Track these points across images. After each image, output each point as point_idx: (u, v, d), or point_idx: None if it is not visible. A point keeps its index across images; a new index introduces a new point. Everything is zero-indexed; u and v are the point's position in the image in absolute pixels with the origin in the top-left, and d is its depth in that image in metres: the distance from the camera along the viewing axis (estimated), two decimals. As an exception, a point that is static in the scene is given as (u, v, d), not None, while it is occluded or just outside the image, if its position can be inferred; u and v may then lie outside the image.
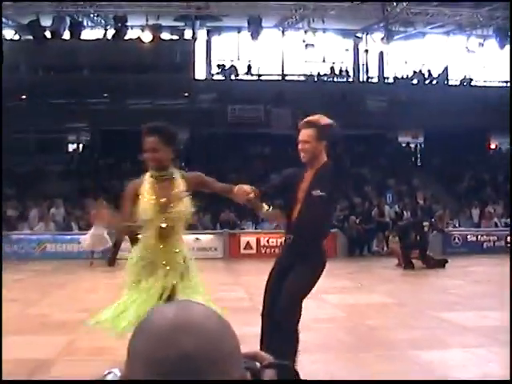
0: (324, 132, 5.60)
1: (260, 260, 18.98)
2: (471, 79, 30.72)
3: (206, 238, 21.65)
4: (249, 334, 7.50)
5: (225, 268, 18.86)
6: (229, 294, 12.00)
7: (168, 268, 5.10)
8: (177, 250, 5.16)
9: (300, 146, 5.68)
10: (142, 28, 26.02)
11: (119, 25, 25.21)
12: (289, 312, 5.44)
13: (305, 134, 5.65)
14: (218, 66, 29.79)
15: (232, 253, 21.12)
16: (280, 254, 5.93)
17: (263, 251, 20.90)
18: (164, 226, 5.03)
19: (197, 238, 21.53)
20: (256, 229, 22.22)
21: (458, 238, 21.92)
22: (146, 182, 5.10)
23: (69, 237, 20.88)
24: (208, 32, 29.47)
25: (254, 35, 25.56)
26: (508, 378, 5.43)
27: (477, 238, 22.15)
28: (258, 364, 1.20)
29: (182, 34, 28.32)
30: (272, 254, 19.90)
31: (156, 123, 5.07)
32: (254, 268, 18.40)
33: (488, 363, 6.75)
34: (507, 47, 27.47)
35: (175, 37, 28.37)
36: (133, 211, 4.99)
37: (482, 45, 27.70)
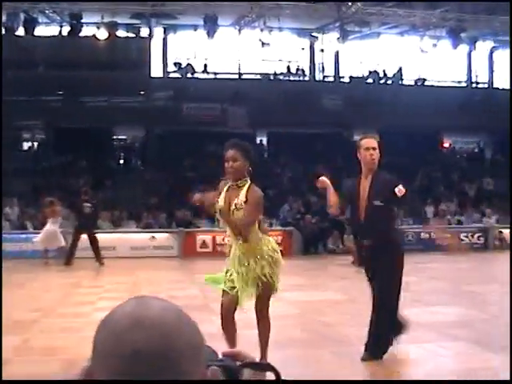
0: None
1: (216, 258, 18.98)
2: (425, 79, 31.12)
3: (162, 237, 21.63)
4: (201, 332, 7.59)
5: (180, 266, 18.88)
6: (182, 292, 12.01)
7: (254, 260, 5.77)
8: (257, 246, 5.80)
9: (370, 154, 6.43)
10: (98, 25, 25.81)
11: (74, 22, 24.98)
12: (388, 306, 6.46)
13: (374, 142, 6.45)
14: (175, 64, 29.69)
15: (188, 251, 21.09)
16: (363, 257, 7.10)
17: (219, 250, 20.88)
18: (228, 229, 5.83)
19: (152, 237, 21.54)
20: (212, 227, 22.21)
21: (412, 236, 22.22)
22: (226, 186, 5.88)
23: (24, 235, 20.66)
24: (164, 30, 29.32)
25: (210, 33, 25.55)
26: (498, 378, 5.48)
27: (430, 235, 22.46)
28: (237, 363, 1.19)
29: (138, 32, 28.12)
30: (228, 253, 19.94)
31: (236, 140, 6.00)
32: (209, 266, 18.39)
33: (439, 357, 6.90)
34: (460, 47, 27.90)
35: (131, 34, 28.18)
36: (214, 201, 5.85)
37: (435, 45, 28.07)
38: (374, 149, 6.35)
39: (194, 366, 1.07)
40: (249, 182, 5.77)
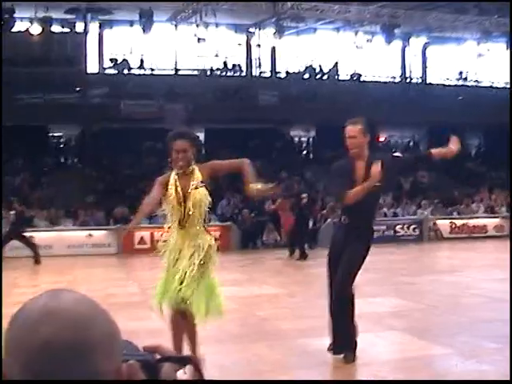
0: (368, 127, 6.51)
1: (154, 255, 18.91)
2: (360, 74, 31.48)
3: (99, 234, 21.43)
4: (139, 329, 7.54)
5: (118, 263, 18.75)
6: (121, 290, 11.94)
7: (190, 251, 5.82)
8: (198, 235, 5.87)
9: (348, 141, 6.48)
10: (31, 20, 25.38)
11: (7, 16, 24.49)
12: (345, 284, 6.36)
13: (351, 130, 6.43)
14: (111, 59, 29.40)
15: (126, 248, 20.92)
16: (335, 234, 6.84)
17: (157, 246, 20.77)
18: (187, 212, 5.77)
19: (89, 235, 21.30)
20: (150, 223, 22.08)
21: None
22: (172, 176, 5.87)
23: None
24: (100, 25, 28.98)
25: (146, 29, 25.39)
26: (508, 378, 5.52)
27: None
28: (157, 357, 1.18)
29: (74, 27, 27.71)
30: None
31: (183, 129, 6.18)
32: (147, 263, 18.35)
33: (375, 347, 7.02)
34: (394, 43, 28.33)
35: (66, 29, 27.78)
36: (161, 199, 5.86)
37: (369, 41, 28.45)
38: (351, 137, 6.41)
39: (107, 358, 1.06)
40: (195, 167, 5.88)
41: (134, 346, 1.19)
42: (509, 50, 28.60)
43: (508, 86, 32.97)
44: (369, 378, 6.00)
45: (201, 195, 5.83)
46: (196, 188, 5.80)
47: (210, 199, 5.91)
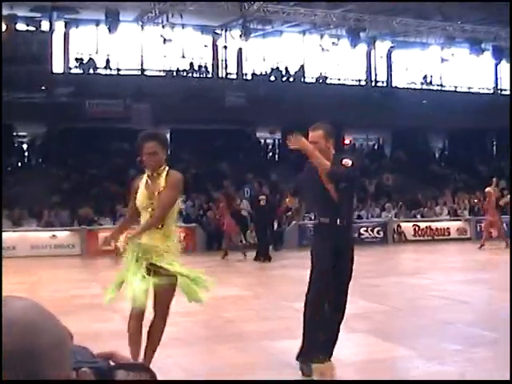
0: (331, 131, 6.50)
1: (118, 256, 18.83)
2: (326, 77, 31.65)
3: (63, 235, 21.26)
4: (103, 331, 7.53)
5: (82, 265, 18.65)
6: (85, 291, 11.87)
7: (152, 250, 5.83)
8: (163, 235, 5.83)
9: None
10: (-5, 18, 25.10)
11: (-30, 14, 24.22)
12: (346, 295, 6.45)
13: (313, 135, 6.40)
14: (76, 59, 29.18)
15: (90, 249, 20.73)
16: (330, 236, 6.33)
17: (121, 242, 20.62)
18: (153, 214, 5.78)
19: (53, 235, 21.11)
20: (114, 225, 21.99)
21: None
22: (144, 177, 5.91)
23: None
24: (66, 24, 28.75)
25: (112, 29, 25.24)
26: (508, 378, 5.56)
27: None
28: (111, 364, 1.17)
29: (39, 26, 27.48)
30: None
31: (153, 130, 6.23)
32: (111, 264, 18.26)
33: (340, 349, 7.07)
34: (359, 46, 28.53)
35: (31, 28, 27.52)
36: (133, 204, 5.98)
37: (335, 44, 28.64)
38: (313, 143, 6.35)
39: (56, 366, 1.05)
40: (166, 168, 5.87)
41: (88, 352, 1.18)
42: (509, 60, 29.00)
43: (472, 90, 33.51)
44: (332, 379, 6.06)
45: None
46: (159, 194, 5.80)
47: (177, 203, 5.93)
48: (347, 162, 6.30)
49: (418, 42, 31.50)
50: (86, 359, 1.15)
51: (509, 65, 29.46)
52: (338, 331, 6.39)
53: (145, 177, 5.93)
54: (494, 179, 20.27)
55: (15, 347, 1.01)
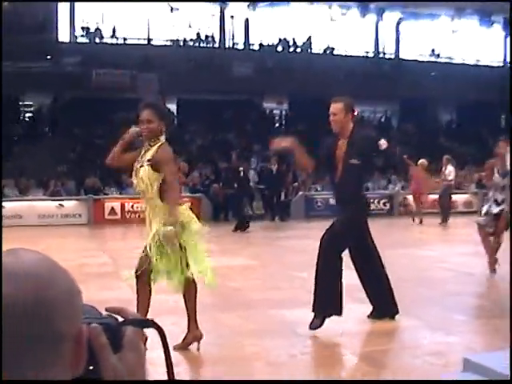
0: (351, 105, 6.71)
1: (124, 225, 18.90)
2: (333, 48, 31.46)
3: (70, 204, 21.30)
4: (110, 298, 7.55)
5: (89, 234, 18.68)
6: (92, 260, 11.92)
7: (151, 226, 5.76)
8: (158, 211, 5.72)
9: (331, 119, 6.67)
10: (1, -13, 24.94)
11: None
12: (327, 258, 6.57)
13: (333, 107, 6.64)
14: (82, 28, 29.07)
15: (96, 219, 20.83)
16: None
17: (128, 216, 20.72)
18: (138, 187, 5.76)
19: (60, 205, 21.15)
20: (120, 194, 22.02)
21: (321, 202, 22.58)
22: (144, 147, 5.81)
23: None
24: (72, -8, 28.66)
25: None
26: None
27: (338, 201, 22.93)
28: (119, 320, 1.18)
29: (45, -6, 27.36)
30: (136, 220, 19.83)
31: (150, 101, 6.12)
32: (118, 233, 18.33)
33: (345, 319, 7.09)
34: (368, 17, 28.32)
35: (37, -4, 27.35)
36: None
37: (344, 14, 28.42)
38: (332, 114, 6.56)
39: (68, 319, 1.06)
40: (161, 141, 5.73)
41: (97, 311, 1.19)
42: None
43: (480, 62, 33.26)
44: (338, 348, 6.08)
45: (145, 173, 5.67)
46: (141, 166, 5.68)
47: (161, 177, 5.64)
48: (383, 143, 6.37)
49: (427, 14, 31.26)
50: (95, 316, 1.16)
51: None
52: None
53: (144, 147, 5.81)
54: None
55: (28, 298, 1.01)
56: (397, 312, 6.88)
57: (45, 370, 1.04)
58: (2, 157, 21.20)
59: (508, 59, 34.53)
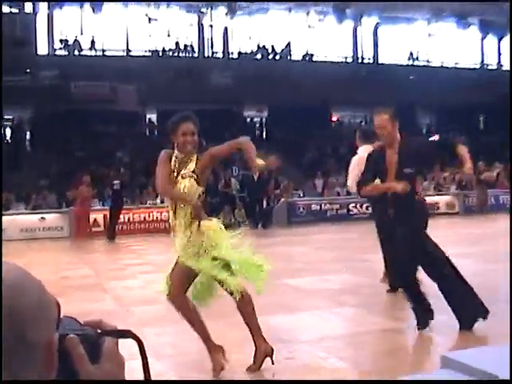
0: (395, 114, 6.63)
1: (108, 237, 18.85)
2: (312, 54, 31.58)
3: (52, 217, 21.21)
4: (92, 311, 7.53)
5: (71, 247, 18.60)
6: (75, 273, 11.86)
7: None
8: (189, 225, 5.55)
9: (377, 132, 6.63)
10: (-23, 1, 24.88)
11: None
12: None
13: (378, 119, 6.55)
14: (61, 41, 29.01)
15: (79, 231, 20.71)
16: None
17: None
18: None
19: (42, 218, 21.06)
20: (103, 206, 21.95)
21: (303, 208, 22.65)
22: (173, 158, 5.67)
23: None
24: (49, 5, 28.55)
25: (96, 9, 25.10)
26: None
27: (320, 206, 23.01)
28: (98, 331, 1.18)
29: (23, 8, 27.26)
30: (119, 231, 19.75)
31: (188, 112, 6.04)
32: (101, 246, 18.26)
33: (329, 323, 7.12)
34: (345, 23, 28.46)
35: (15, 10, 27.27)
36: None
37: (321, 20, 28.55)
38: (379, 127, 6.53)
39: (37, 328, 1.05)
40: (195, 153, 5.67)
41: (77, 323, 1.19)
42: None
43: (458, 65, 33.49)
44: (322, 353, 6.10)
45: (187, 186, 5.49)
46: (183, 178, 5.52)
47: (200, 190, 5.56)
48: (407, 170, 6.42)
49: (404, 18, 31.46)
50: (74, 328, 1.16)
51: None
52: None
53: (173, 158, 5.67)
54: None
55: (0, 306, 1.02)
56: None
57: (19, 377, 1.04)
58: (1, 176, 21.10)
59: (485, 60, 34.86)
